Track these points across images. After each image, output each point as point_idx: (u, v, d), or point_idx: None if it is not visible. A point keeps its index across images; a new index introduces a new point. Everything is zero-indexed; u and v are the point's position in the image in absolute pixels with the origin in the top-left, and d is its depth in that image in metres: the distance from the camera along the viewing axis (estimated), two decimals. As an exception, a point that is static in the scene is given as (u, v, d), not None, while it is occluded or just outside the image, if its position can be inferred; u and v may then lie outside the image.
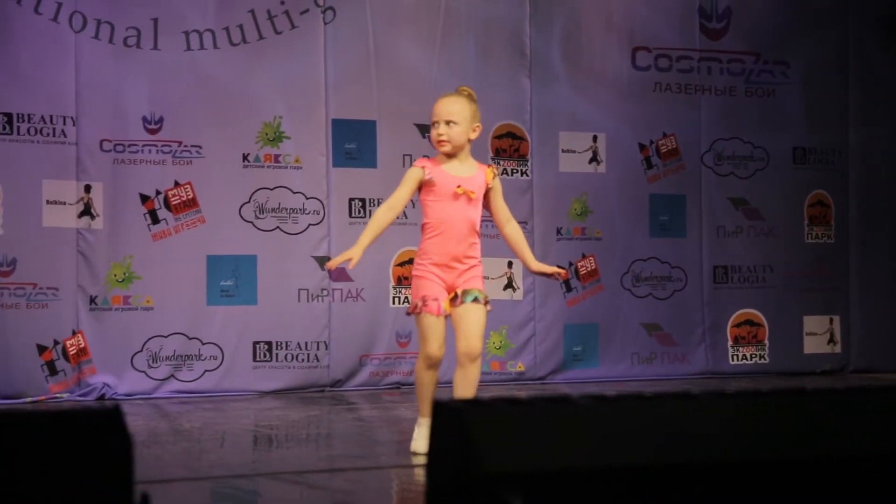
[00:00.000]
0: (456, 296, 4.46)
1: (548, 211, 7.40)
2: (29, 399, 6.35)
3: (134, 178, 6.58)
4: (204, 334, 6.70)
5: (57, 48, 6.44)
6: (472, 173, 4.54)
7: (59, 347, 6.43)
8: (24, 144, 6.38)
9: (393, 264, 7.05)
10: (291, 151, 6.89)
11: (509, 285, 7.31)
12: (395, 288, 7.07)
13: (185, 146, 6.68)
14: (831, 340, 8.07)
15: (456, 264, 4.48)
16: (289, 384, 6.84)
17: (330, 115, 6.96)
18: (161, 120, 6.63)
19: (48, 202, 6.42)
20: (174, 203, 6.66)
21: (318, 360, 6.91)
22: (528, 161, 7.37)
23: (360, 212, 7.00)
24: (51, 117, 6.43)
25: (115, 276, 6.54)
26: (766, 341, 7.89)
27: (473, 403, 2.03)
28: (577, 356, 7.47)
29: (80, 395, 6.44)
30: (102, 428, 2.04)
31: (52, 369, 6.43)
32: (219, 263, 6.74)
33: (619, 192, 7.58)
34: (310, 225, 6.92)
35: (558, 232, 7.47)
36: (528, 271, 7.28)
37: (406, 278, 7.05)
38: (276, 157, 6.86)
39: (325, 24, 6.95)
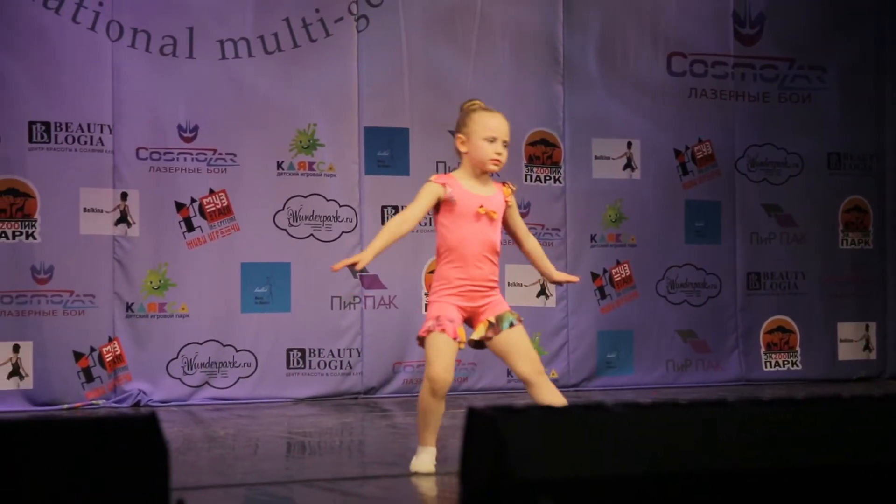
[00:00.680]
0: (491, 324, 4.18)
1: (581, 217, 7.39)
2: (65, 406, 6.40)
3: (169, 186, 6.63)
4: (238, 341, 6.74)
5: (94, 57, 6.50)
6: (491, 193, 4.25)
7: (96, 354, 6.48)
8: (62, 153, 6.44)
9: (425, 271, 7.06)
10: (325, 159, 6.91)
11: (542, 292, 7.30)
12: (426, 295, 7.08)
13: (220, 154, 6.73)
14: (867, 347, 8.00)
15: (478, 290, 4.17)
16: (322, 391, 6.86)
17: (363, 122, 6.98)
18: (196, 128, 6.68)
19: (85, 210, 6.48)
20: (209, 211, 6.70)
21: (351, 368, 6.92)
22: (560, 168, 7.37)
23: (393, 219, 7.01)
24: (88, 125, 6.48)
25: (151, 283, 6.59)
26: (798, 348, 7.84)
27: (507, 411, 2.03)
28: (611, 363, 7.44)
29: (115, 402, 6.49)
30: (139, 435, 2.05)
31: (89, 376, 6.48)
32: (253, 271, 6.78)
33: (654, 199, 7.56)
34: (343, 232, 6.94)
35: (592, 239, 7.45)
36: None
37: (439, 285, 7.06)
38: (311, 164, 6.89)
39: (359, 31, 6.98)
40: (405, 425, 5.97)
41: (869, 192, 8.02)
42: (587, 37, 7.43)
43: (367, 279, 6.95)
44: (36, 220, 6.40)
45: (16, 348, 6.36)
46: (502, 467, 1.92)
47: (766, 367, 7.77)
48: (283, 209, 6.85)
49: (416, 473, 4.17)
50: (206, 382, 6.68)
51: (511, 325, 4.17)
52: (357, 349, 6.94)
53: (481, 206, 4.18)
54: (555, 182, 7.35)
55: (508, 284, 7.17)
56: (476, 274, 4.17)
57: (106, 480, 2.01)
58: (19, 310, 6.36)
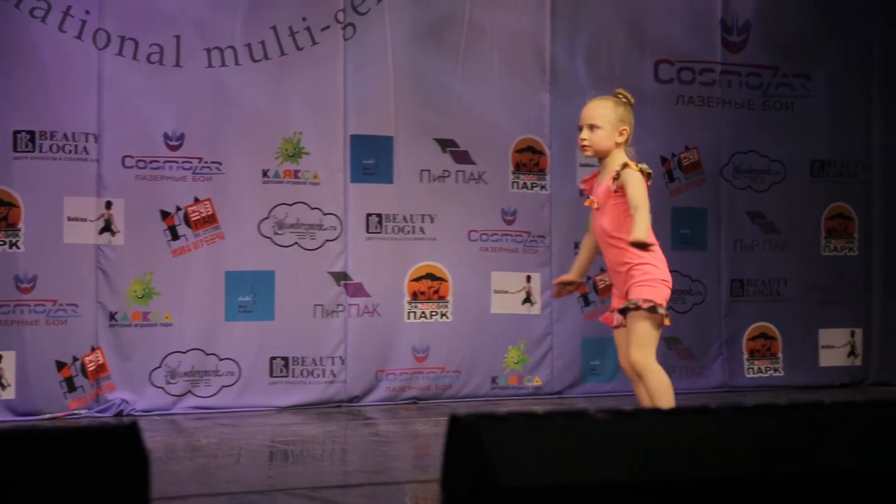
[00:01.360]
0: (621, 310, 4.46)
1: (566, 225, 7.39)
2: (47, 416, 6.36)
3: (155, 195, 6.61)
4: (221, 350, 6.71)
5: (80, 66, 6.47)
6: (602, 181, 4.43)
7: (78, 364, 6.45)
8: (46, 161, 6.41)
9: (408, 279, 7.06)
10: (311, 167, 6.90)
11: (527, 300, 7.30)
12: (410, 303, 7.07)
13: (206, 162, 6.71)
14: (852, 353, 8.02)
15: (617, 270, 4.46)
16: (306, 400, 6.84)
17: (349, 130, 6.97)
18: (182, 136, 6.66)
19: (69, 219, 6.45)
20: (194, 219, 6.68)
21: (334, 376, 6.91)
22: (546, 175, 7.37)
23: (376, 227, 7.01)
24: (73, 134, 6.46)
25: (135, 292, 6.56)
26: (780, 354, 7.85)
27: (489, 418, 2.03)
28: (595, 370, 7.45)
29: (98, 412, 6.45)
30: (120, 444, 2.04)
31: (71, 386, 6.45)
32: (237, 279, 6.76)
33: (640, 206, 7.55)
34: (326, 241, 6.93)
35: (576, 246, 7.45)
36: (546, 285, 7.33)
37: (422, 293, 7.06)
38: (296, 172, 6.88)
39: (346, 40, 6.97)
40: (388, 433, 5.96)
41: (853, 199, 8.04)
42: (574, 44, 7.43)
43: (352, 287, 6.94)
44: (20, 230, 6.37)
45: (-2, 358, 6.33)
46: (485, 475, 1.92)
47: (748, 373, 7.78)
48: (267, 217, 6.83)
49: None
50: (189, 391, 6.65)
51: (626, 310, 4.41)
52: (341, 357, 6.92)
53: (590, 197, 4.49)
54: (541, 189, 7.36)
55: (494, 292, 7.18)
56: (607, 257, 4.50)
57: (86, 490, 2.00)
58: (2, 319, 6.32)
